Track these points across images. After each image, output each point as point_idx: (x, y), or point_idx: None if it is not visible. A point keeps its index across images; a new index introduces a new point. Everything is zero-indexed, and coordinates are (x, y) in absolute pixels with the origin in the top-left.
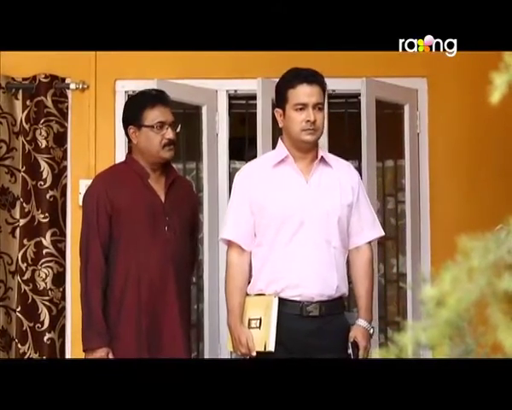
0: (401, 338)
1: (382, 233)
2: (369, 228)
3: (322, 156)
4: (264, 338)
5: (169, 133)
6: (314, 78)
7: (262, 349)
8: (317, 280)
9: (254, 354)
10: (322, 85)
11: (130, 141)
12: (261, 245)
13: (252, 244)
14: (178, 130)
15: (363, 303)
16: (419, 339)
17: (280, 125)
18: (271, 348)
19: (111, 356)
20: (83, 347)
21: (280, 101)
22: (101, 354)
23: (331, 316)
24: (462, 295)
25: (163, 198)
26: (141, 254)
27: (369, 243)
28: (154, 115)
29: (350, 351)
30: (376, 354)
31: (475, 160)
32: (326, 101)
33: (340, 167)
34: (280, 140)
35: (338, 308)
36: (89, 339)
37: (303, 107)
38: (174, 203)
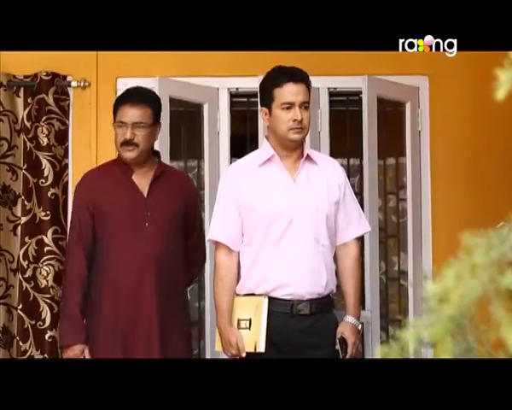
0: (403, 335)
1: (369, 229)
2: (356, 224)
3: (307, 154)
4: (254, 339)
5: (126, 133)
6: (300, 76)
7: (252, 350)
8: (307, 279)
9: (244, 354)
10: (308, 84)
11: None
12: (250, 245)
13: (239, 244)
14: (144, 127)
15: (351, 300)
16: (421, 336)
17: (266, 124)
18: (262, 349)
19: (86, 353)
20: (59, 343)
21: (265, 99)
22: (75, 351)
23: (321, 314)
24: (464, 292)
25: (146, 193)
26: (118, 252)
27: (356, 239)
28: (120, 113)
29: (338, 347)
30: (378, 351)
31: (476, 157)
32: (328, 99)
33: (326, 165)
34: (265, 139)
35: (327, 306)
36: (63, 336)
37: (290, 106)
38: (158, 198)
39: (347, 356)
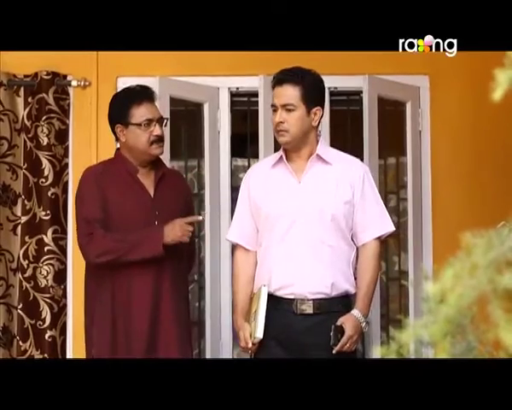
0: (402, 335)
1: (389, 229)
2: (375, 225)
3: (317, 154)
4: (254, 327)
5: (157, 130)
6: (285, 77)
7: (253, 338)
8: (308, 279)
9: (250, 345)
10: (298, 84)
11: (117, 139)
12: (260, 245)
13: (256, 244)
14: (165, 124)
15: (361, 295)
16: (419, 336)
17: None
18: (258, 334)
19: None
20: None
21: None
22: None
23: (328, 314)
24: (463, 292)
25: (152, 193)
26: None
27: (377, 238)
28: (141, 112)
29: (331, 333)
30: (377, 352)
31: (477, 157)
32: (328, 99)
33: (341, 163)
34: None
35: (337, 306)
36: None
37: (275, 108)
38: (164, 197)
39: (338, 347)
